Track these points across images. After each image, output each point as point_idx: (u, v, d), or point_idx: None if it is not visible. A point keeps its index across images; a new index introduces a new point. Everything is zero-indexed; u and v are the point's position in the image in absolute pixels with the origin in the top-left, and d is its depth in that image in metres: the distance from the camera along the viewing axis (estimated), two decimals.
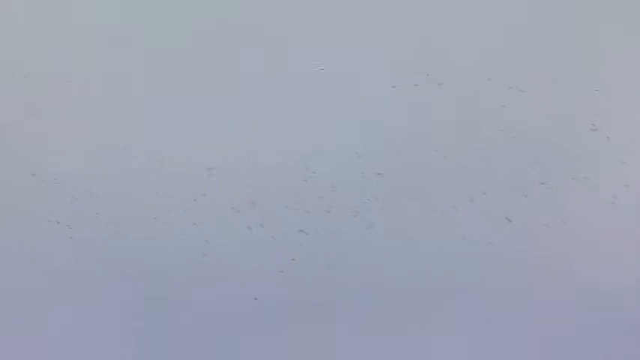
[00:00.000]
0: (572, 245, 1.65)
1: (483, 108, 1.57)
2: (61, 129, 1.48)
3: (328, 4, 1.49)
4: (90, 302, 1.60)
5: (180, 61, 1.49)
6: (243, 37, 1.49)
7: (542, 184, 1.57)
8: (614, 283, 1.70)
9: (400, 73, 1.51)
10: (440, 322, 1.68)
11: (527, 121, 1.58)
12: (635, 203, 1.64)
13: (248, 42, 1.49)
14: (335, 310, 1.65)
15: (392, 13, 1.48)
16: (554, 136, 1.60)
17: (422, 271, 1.62)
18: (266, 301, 1.63)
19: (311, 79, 1.51)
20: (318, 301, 1.63)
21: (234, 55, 1.49)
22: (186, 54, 1.48)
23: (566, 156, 1.59)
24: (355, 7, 1.50)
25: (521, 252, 1.65)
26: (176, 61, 1.49)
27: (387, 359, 1.68)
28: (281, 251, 1.60)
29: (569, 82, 1.59)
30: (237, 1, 1.49)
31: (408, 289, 1.67)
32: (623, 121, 1.60)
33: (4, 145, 1.50)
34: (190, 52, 1.48)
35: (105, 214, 1.52)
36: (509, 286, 1.70)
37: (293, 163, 1.53)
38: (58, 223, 1.54)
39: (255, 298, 1.60)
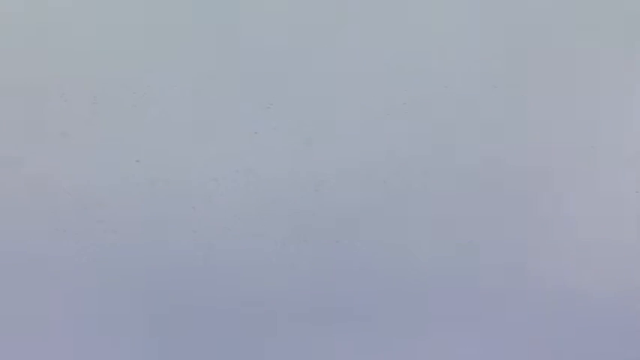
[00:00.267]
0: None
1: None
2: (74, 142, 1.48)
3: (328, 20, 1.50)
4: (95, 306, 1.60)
5: (186, 77, 1.50)
6: (245, 58, 1.50)
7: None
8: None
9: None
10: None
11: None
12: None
13: (248, 60, 1.51)
14: (336, 313, 1.73)
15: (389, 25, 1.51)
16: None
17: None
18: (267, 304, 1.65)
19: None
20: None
21: (237, 73, 1.50)
22: (192, 71, 1.49)
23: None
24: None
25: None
26: (183, 76, 1.50)
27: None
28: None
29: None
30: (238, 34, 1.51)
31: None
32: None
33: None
34: (196, 70, 1.49)
35: (110, 223, 1.53)
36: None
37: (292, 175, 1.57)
38: (65, 231, 1.53)
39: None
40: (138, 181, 1.57)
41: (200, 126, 1.57)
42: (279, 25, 1.52)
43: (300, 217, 1.59)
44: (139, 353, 1.68)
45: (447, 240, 1.71)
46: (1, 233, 1.55)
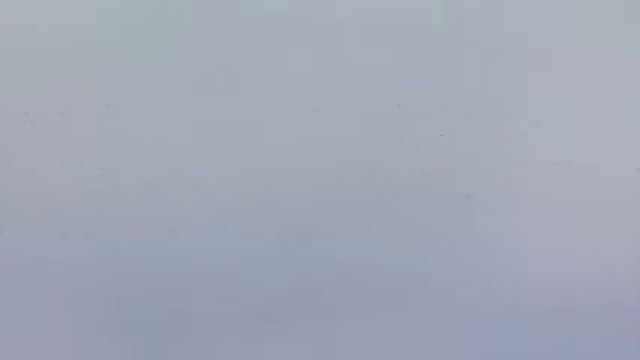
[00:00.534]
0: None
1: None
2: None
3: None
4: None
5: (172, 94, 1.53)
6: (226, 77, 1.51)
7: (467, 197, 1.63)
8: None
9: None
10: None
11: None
12: None
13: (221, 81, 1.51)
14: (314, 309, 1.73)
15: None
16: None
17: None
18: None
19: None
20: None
21: (217, 89, 1.53)
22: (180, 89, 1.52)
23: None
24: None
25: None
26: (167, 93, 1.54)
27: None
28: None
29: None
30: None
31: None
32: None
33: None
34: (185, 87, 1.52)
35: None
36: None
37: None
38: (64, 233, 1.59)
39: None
40: (133, 185, 1.61)
41: (192, 131, 1.59)
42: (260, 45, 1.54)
43: (297, 217, 1.65)
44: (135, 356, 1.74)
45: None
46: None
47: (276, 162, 1.61)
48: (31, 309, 1.69)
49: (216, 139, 1.58)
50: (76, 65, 1.52)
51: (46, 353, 1.71)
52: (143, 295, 1.68)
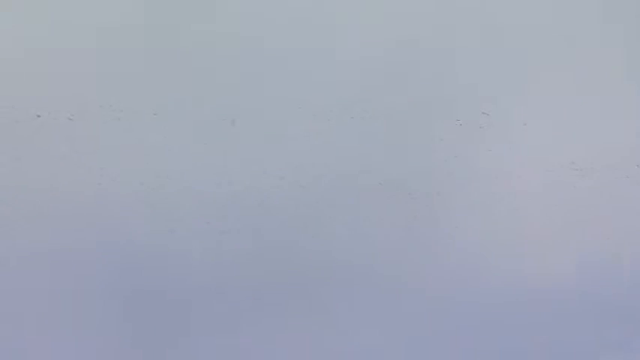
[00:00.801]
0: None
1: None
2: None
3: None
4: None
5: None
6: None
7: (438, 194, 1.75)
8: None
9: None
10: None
11: None
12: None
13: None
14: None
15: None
16: None
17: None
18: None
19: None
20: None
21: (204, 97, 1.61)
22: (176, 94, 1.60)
23: None
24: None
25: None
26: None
27: None
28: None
29: None
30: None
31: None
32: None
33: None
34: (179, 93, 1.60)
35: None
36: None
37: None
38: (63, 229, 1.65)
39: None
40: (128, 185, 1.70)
41: (183, 137, 1.69)
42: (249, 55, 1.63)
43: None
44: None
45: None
46: None
47: (268, 162, 1.71)
48: (37, 297, 1.75)
49: (210, 142, 1.68)
50: (83, 69, 1.62)
51: (50, 340, 1.77)
52: (141, 285, 1.76)
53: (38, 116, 1.56)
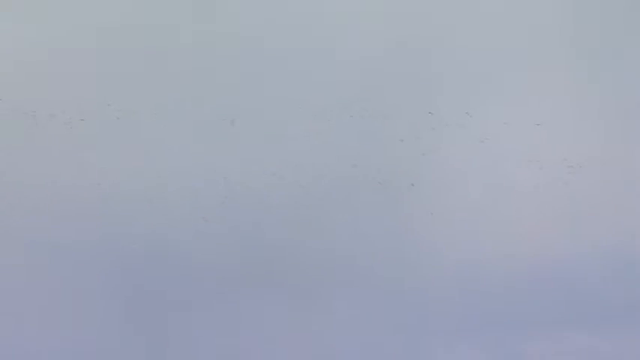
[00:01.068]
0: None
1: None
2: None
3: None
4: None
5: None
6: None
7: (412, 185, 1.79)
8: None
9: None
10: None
11: None
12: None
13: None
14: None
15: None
16: None
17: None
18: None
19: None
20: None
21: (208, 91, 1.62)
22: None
23: None
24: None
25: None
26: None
27: None
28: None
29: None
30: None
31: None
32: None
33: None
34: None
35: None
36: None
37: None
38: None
39: None
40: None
41: (177, 139, 1.70)
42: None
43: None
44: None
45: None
46: None
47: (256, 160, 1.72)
48: (42, 284, 1.76)
49: (210, 142, 1.69)
50: (82, 69, 1.63)
51: (48, 332, 1.78)
52: (139, 281, 1.78)
53: (34, 115, 1.56)
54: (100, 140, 1.70)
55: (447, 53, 1.80)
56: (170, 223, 1.78)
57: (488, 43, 1.85)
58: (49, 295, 1.80)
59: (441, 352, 2.02)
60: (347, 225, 1.85)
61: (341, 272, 1.92)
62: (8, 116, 1.64)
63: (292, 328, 1.90)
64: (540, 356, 2.15)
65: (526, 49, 1.88)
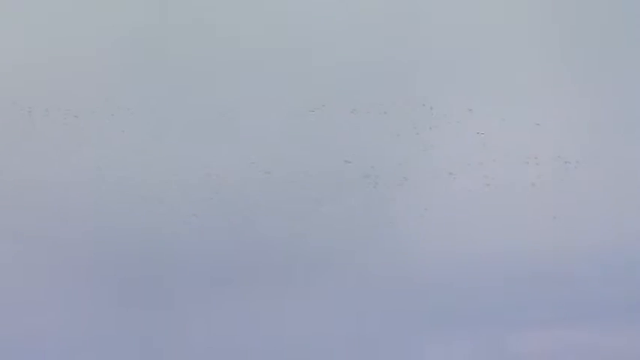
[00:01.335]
0: None
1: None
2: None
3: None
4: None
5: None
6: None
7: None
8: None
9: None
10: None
11: None
12: None
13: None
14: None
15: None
16: None
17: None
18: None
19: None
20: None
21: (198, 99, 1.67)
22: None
23: None
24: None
25: None
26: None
27: None
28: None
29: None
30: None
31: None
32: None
33: None
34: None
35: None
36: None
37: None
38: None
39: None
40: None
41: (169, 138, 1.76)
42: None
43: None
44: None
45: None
46: None
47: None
48: (40, 276, 1.83)
49: (198, 138, 1.75)
50: (80, 69, 1.70)
51: (45, 324, 1.85)
52: (131, 273, 1.84)
53: (30, 112, 1.64)
54: (94, 136, 1.77)
55: (445, 51, 1.83)
56: (161, 219, 1.85)
57: (488, 43, 1.87)
58: (43, 289, 1.87)
59: (436, 348, 2.03)
60: (339, 221, 1.88)
61: (334, 268, 1.96)
62: (3, 112, 1.72)
63: (283, 322, 1.94)
64: (537, 354, 2.14)
65: (526, 49, 1.89)
